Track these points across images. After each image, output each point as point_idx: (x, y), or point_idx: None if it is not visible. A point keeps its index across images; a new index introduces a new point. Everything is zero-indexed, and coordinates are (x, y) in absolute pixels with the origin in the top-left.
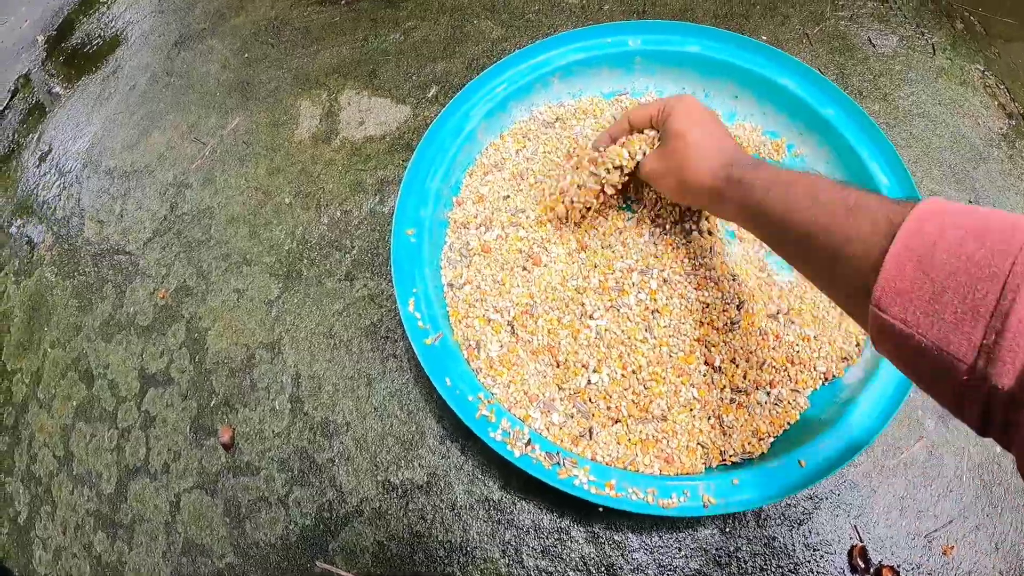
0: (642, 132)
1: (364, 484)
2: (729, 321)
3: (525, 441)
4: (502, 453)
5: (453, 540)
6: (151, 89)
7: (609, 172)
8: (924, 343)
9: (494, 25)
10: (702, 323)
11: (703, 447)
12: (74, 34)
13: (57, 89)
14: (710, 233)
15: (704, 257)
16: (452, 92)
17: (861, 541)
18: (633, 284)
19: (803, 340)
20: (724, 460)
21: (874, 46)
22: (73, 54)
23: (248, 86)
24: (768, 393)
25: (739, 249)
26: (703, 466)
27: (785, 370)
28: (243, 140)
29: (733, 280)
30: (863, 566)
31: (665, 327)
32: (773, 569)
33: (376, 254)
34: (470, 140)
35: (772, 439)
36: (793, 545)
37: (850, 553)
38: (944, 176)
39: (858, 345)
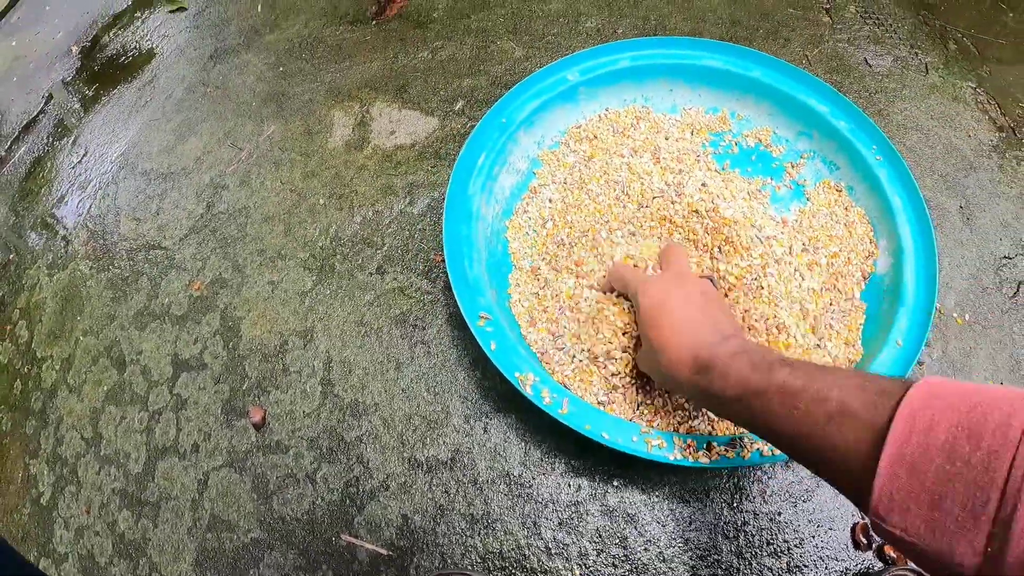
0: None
1: (390, 461)
2: (798, 273)
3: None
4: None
5: (475, 513)
6: (188, 98)
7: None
8: (927, 551)
9: (516, 46)
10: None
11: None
12: (108, 46)
13: (91, 97)
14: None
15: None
16: (478, 106)
17: (863, 518)
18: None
19: (833, 257)
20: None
21: (870, 66)
22: (107, 64)
23: (283, 97)
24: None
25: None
26: None
27: (835, 286)
28: (278, 146)
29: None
30: (865, 543)
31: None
32: (780, 543)
33: (406, 250)
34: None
35: (860, 341)
36: (798, 520)
37: (853, 530)
38: (936, 184)
39: (871, 241)
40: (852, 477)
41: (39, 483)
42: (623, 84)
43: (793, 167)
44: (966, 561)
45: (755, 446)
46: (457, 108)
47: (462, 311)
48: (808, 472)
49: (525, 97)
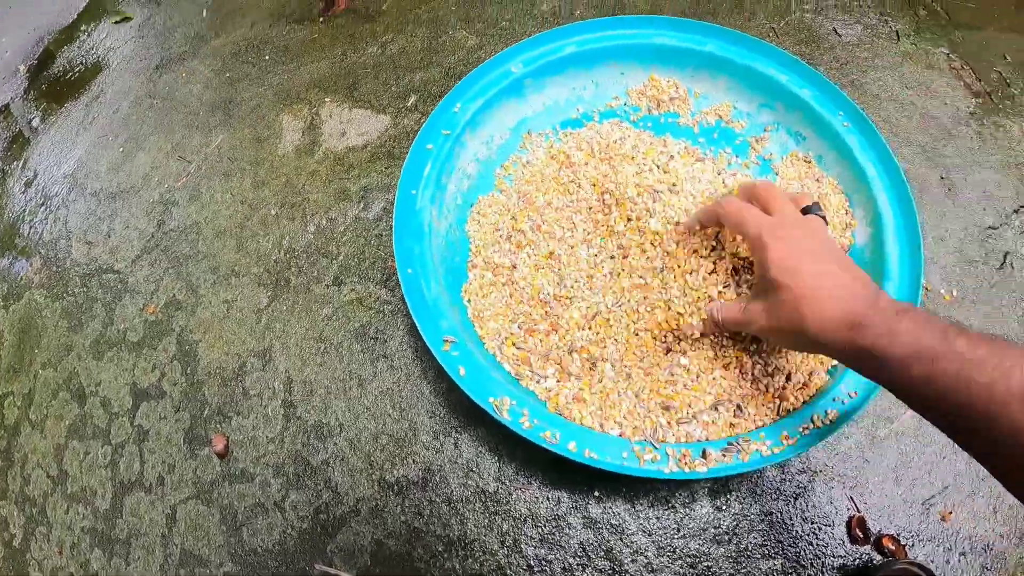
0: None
1: (360, 484)
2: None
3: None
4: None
5: (451, 534)
6: (134, 112)
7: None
8: None
9: (469, 34)
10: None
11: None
12: (55, 62)
13: (39, 117)
14: None
15: None
16: (431, 100)
17: (859, 512)
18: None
19: None
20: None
21: (839, 35)
22: (55, 81)
23: (230, 104)
24: None
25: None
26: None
27: None
28: (227, 156)
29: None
30: (863, 536)
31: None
32: (773, 544)
33: (363, 259)
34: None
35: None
36: (791, 519)
37: (849, 524)
38: (915, 154)
39: (847, 212)
40: None
41: (10, 525)
42: (570, 72)
43: (758, 141)
44: None
45: (753, 447)
46: (409, 104)
47: (424, 339)
48: (797, 467)
49: (468, 96)
